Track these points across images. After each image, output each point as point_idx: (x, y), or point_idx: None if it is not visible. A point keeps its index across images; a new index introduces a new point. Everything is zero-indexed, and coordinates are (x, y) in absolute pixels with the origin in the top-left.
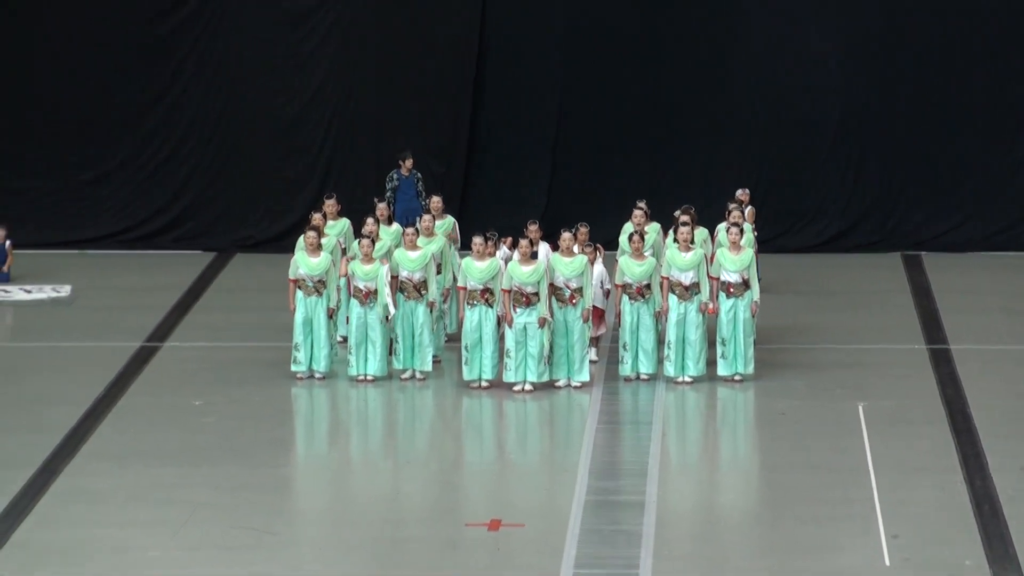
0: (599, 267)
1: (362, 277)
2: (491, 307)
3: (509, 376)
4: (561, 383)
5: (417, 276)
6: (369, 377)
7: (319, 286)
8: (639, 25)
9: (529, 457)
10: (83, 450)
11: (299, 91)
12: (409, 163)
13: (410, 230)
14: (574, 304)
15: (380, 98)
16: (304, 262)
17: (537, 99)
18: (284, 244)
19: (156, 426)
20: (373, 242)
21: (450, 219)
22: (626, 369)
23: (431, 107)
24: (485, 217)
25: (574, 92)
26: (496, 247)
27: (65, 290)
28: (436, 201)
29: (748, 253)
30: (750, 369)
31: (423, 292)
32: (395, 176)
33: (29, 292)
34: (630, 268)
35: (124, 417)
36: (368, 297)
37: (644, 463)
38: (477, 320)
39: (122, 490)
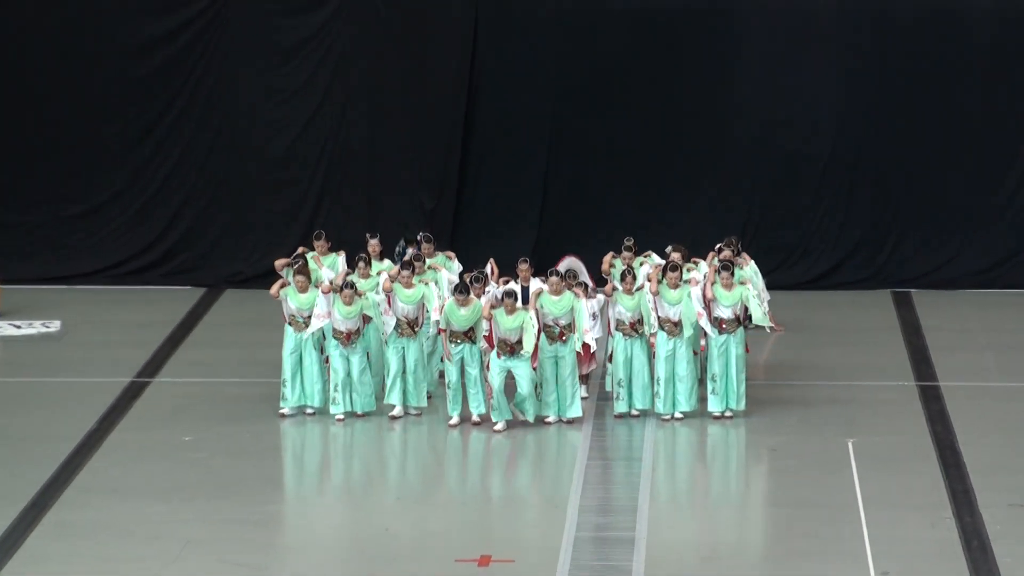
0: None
1: (343, 316)
2: (475, 343)
3: (495, 415)
4: (551, 419)
5: (411, 312)
6: (359, 413)
7: (309, 321)
8: (630, 59)
9: (519, 492)
10: (73, 485)
11: (289, 125)
12: (412, 250)
13: (405, 272)
14: (563, 341)
15: (371, 131)
16: (294, 297)
17: (528, 132)
18: (274, 280)
19: (146, 461)
20: (355, 290)
21: (447, 263)
22: (622, 406)
23: (422, 140)
24: (476, 250)
25: (565, 126)
26: (483, 288)
27: (55, 325)
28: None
29: (739, 290)
30: (741, 405)
31: (416, 329)
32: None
33: (19, 328)
34: (622, 300)
35: (114, 452)
36: (350, 338)
37: (634, 499)
38: (461, 360)
39: (112, 525)
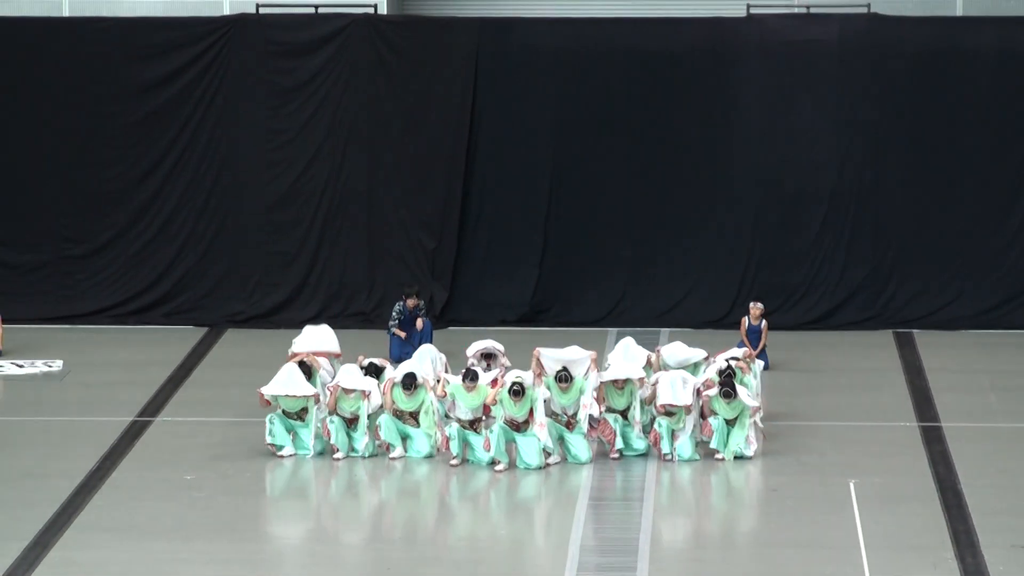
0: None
1: (347, 410)
2: (479, 433)
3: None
4: (554, 459)
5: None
6: (361, 455)
7: (302, 413)
8: (631, 100)
9: (521, 532)
10: (75, 524)
11: (290, 165)
12: (412, 302)
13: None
14: (571, 429)
15: (371, 172)
16: (284, 400)
17: (529, 174)
18: (275, 319)
19: (147, 501)
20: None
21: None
22: (618, 443)
23: (422, 181)
24: (477, 292)
25: (566, 166)
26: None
27: (57, 364)
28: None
29: (738, 404)
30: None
31: (418, 419)
32: (399, 310)
33: (21, 367)
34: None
35: (115, 491)
36: (352, 423)
37: (635, 539)
38: (460, 443)
39: (113, 564)
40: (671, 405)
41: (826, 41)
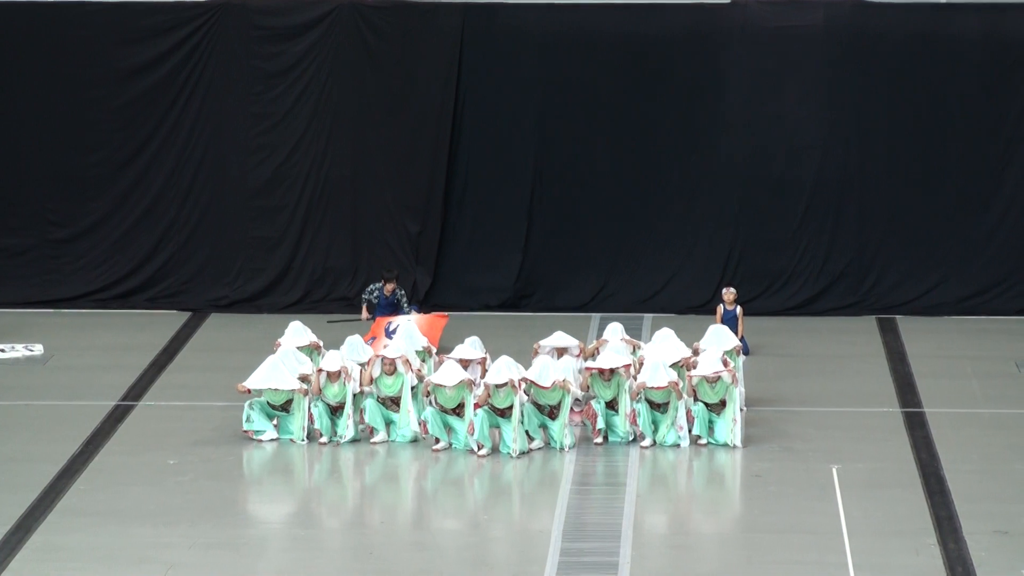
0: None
1: (331, 398)
2: (462, 418)
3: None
4: (537, 445)
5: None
6: (343, 439)
7: (286, 405)
8: (616, 85)
9: (503, 517)
10: (57, 508)
11: (274, 150)
12: (391, 286)
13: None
14: (554, 418)
15: (356, 157)
16: (269, 394)
17: (513, 157)
18: (259, 304)
19: (130, 485)
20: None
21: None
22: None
23: (407, 166)
24: (461, 276)
25: (550, 152)
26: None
27: (37, 348)
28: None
29: (722, 386)
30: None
31: (399, 403)
32: (375, 291)
33: (3, 352)
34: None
35: (98, 476)
36: (337, 411)
37: (618, 525)
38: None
39: (96, 548)
40: (654, 388)
41: (810, 27)
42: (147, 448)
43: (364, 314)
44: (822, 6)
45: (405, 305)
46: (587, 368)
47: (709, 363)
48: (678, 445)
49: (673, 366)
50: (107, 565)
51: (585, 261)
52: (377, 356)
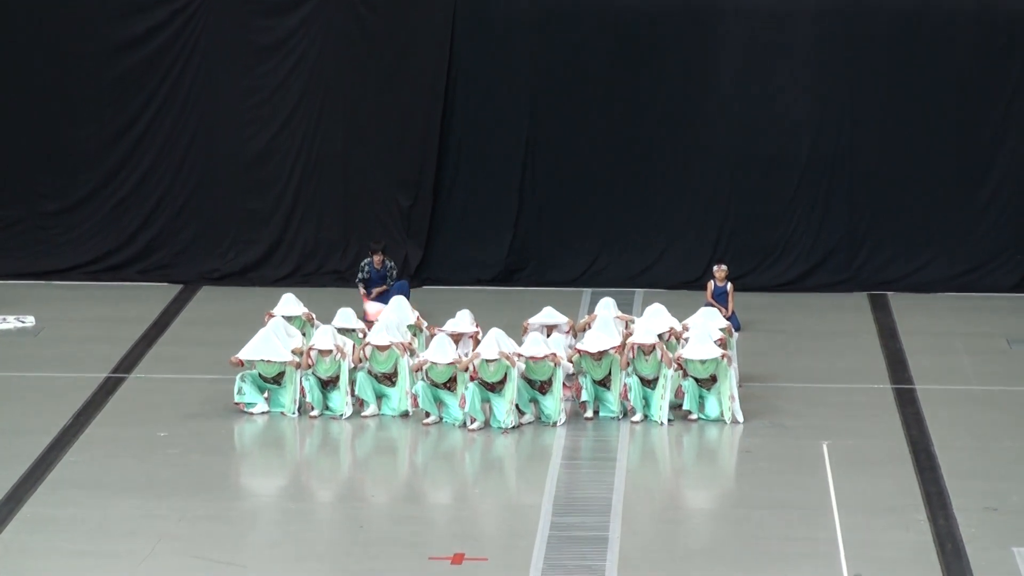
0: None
1: (323, 372)
2: (453, 392)
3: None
4: (527, 419)
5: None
6: (342, 417)
7: (278, 378)
8: (607, 62)
9: (493, 491)
10: (48, 480)
11: (266, 124)
12: (379, 258)
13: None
14: (544, 393)
15: (347, 131)
16: (261, 366)
17: (505, 133)
18: (250, 277)
19: (121, 457)
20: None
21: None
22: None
23: (398, 141)
24: (452, 251)
25: (542, 127)
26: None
27: (29, 320)
28: None
29: (712, 363)
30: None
31: (394, 380)
32: (366, 267)
33: None
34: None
35: (89, 448)
36: (328, 385)
37: (608, 499)
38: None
39: (86, 520)
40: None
41: (803, 3)
42: (138, 421)
43: (363, 295)
44: None
45: (393, 276)
46: (576, 349)
47: (644, 332)
48: (670, 421)
49: (660, 336)
50: (97, 537)
51: (577, 236)
52: (367, 344)
